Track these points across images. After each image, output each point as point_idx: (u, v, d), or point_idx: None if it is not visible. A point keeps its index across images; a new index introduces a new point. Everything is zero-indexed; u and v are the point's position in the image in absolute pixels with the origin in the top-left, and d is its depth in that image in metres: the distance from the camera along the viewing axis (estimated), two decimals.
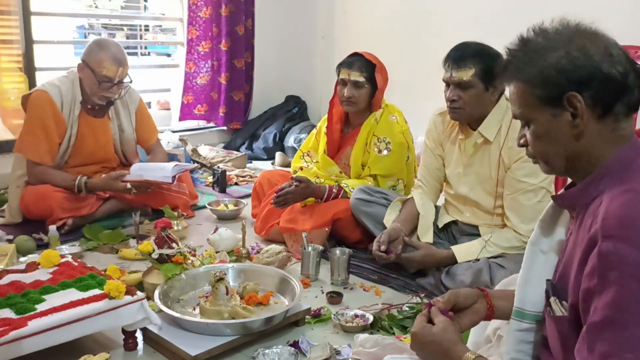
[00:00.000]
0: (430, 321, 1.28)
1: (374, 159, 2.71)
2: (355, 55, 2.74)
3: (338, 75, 2.75)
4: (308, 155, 3.02)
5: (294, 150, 4.71)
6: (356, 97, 2.69)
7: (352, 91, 2.68)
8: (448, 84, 2.16)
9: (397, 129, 2.71)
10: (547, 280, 1.17)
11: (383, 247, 2.19)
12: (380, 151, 2.70)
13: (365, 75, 2.67)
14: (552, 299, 1.11)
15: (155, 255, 1.99)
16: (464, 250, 2.18)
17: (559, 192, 1.18)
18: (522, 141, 1.15)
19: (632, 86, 1.04)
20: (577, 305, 1.03)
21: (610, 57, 1.04)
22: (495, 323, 1.42)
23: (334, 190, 2.67)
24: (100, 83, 2.80)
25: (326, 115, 2.91)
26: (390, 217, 2.41)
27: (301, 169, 2.97)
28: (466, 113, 2.16)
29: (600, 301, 0.95)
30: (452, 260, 2.18)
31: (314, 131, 3.04)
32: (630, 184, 1.00)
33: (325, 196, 2.66)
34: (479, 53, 2.11)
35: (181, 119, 4.74)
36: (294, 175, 2.77)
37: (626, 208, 0.96)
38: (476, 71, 2.08)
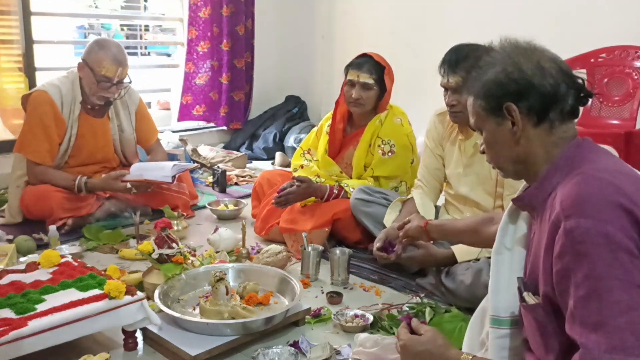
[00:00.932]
0: (412, 332, 1.39)
1: (377, 161, 2.72)
2: (365, 56, 2.72)
3: (346, 75, 2.73)
4: (309, 153, 3.02)
5: (294, 150, 4.69)
6: (364, 98, 2.68)
7: (360, 93, 2.67)
8: (446, 88, 2.16)
9: (401, 131, 2.72)
10: (518, 277, 1.23)
11: (379, 244, 2.19)
12: (384, 153, 2.70)
13: (374, 77, 2.66)
14: (525, 294, 1.17)
15: (155, 255, 1.99)
16: (463, 250, 2.18)
17: (518, 195, 1.28)
18: (482, 148, 1.29)
19: (563, 95, 1.16)
20: (550, 291, 1.09)
21: (542, 70, 1.16)
22: (489, 325, 1.43)
23: (334, 190, 2.67)
24: (98, 82, 2.80)
25: (328, 114, 2.91)
26: (390, 217, 2.41)
27: (302, 167, 2.97)
28: (466, 116, 2.14)
29: (578, 276, 1.01)
30: (452, 260, 2.17)
31: (315, 129, 3.04)
32: (577, 170, 1.11)
33: (326, 196, 2.66)
34: (473, 55, 2.10)
35: (180, 119, 4.74)
36: (296, 175, 2.77)
37: (578, 187, 1.06)
38: None
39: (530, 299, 1.16)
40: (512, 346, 1.26)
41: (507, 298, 1.26)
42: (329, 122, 2.89)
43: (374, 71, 2.66)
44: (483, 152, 1.30)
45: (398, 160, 2.71)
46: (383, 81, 2.69)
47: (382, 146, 2.71)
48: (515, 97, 1.16)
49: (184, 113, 4.73)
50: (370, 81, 2.66)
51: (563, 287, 1.04)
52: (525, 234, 1.28)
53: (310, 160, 2.98)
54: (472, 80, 1.24)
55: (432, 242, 2.11)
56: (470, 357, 1.24)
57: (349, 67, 2.72)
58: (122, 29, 9.94)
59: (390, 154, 2.70)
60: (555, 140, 1.18)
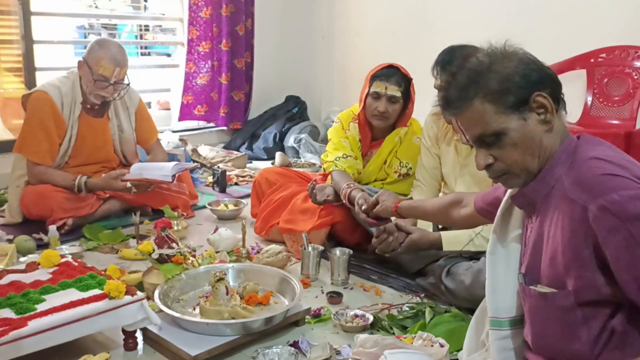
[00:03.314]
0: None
1: (392, 181, 2.69)
2: (391, 67, 2.61)
3: (370, 86, 2.59)
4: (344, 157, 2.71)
5: (294, 150, 4.71)
6: (390, 112, 2.58)
7: (386, 106, 2.56)
8: (439, 90, 2.16)
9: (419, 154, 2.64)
10: (519, 273, 1.24)
11: (378, 232, 2.15)
12: (400, 175, 2.67)
13: (401, 90, 2.57)
14: (538, 286, 1.17)
15: (155, 255, 1.99)
16: (451, 239, 2.14)
17: (515, 193, 1.27)
18: (490, 160, 1.22)
19: (560, 84, 1.21)
20: (566, 276, 1.11)
21: (541, 62, 1.21)
22: (489, 327, 1.43)
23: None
24: (95, 81, 2.79)
25: (347, 111, 2.78)
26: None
27: (344, 156, 2.69)
28: None
29: None
30: (439, 245, 2.13)
31: (336, 129, 2.77)
32: (582, 158, 1.14)
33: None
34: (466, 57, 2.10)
35: (181, 119, 4.74)
36: (335, 168, 2.62)
37: (594, 170, 1.09)
38: None
39: (545, 289, 1.15)
40: (513, 347, 1.27)
41: (505, 298, 1.27)
42: (350, 127, 2.73)
43: (402, 83, 2.57)
44: (488, 166, 1.23)
45: (412, 181, 2.63)
46: (409, 93, 2.61)
47: (399, 168, 2.67)
48: (539, 86, 1.16)
49: (185, 113, 4.73)
50: (398, 94, 2.56)
51: (629, 258, 1.03)
52: (519, 233, 1.28)
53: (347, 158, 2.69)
54: (476, 82, 1.19)
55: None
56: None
57: (375, 78, 2.58)
58: (138, 28, 9.82)
59: (406, 176, 2.67)
60: (564, 130, 1.20)
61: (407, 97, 2.62)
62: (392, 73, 2.58)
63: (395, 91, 2.56)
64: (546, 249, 1.17)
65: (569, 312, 1.12)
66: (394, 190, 2.64)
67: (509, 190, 1.31)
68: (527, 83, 1.16)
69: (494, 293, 1.29)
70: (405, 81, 2.59)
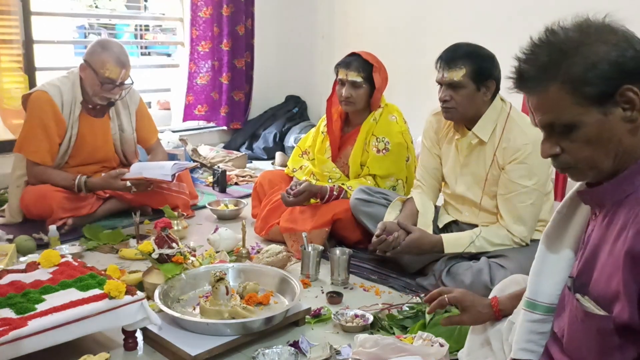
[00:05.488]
0: None
1: (372, 159, 2.72)
2: (353, 55, 2.75)
3: (336, 75, 2.75)
4: (306, 153, 3.02)
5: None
6: (354, 97, 2.70)
7: (350, 91, 2.69)
8: (440, 84, 2.17)
9: (396, 129, 2.72)
10: (569, 277, 1.14)
11: (378, 232, 2.20)
12: (378, 151, 2.70)
13: (362, 75, 2.68)
14: (583, 298, 1.07)
15: (155, 255, 1.99)
16: (452, 241, 2.19)
17: (583, 189, 1.13)
18: (556, 150, 1.06)
19: None
20: (616, 300, 0.99)
21: None
22: (522, 307, 1.40)
23: (334, 192, 2.67)
24: (102, 84, 2.80)
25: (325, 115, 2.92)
26: (390, 217, 2.41)
27: (301, 167, 2.96)
28: (459, 113, 2.17)
29: None
30: (440, 248, 2.18)
31: (313, 129, 3.05)
32: None
33: (327, 198, 2.66)
34: (470, 54, 2.12)
35: (184, 119, 4.74)
36: (294, 176, 2.76)
37: None
38: (467, 71, 2.09)
39: (589, 304, 1.05)
40: (540, 331, 1.21)
41: (548, 285, 1.19)
42: (326, 122, 2.89)
43: (362, 69, 2.68)
44: (555, 155, 1.07)
45: (393, 158, 2.71)
46: (372, 78, 2.70)
47: (376, 144, 2.71)
48: (631, 78, 0.99)
49: (187, 113, 4.74)
50: (359, 79, 2.67)
51: None
52: (582, 227, 1.17)
53: (309, 163, 2.98)
54: (558, 63, 1.01)
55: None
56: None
57: (338, 67, 2.75)
58: (138, 28, 9.83)
59: (384, 151, 2.70)
60: None
61: (372, 82, 2.71)
62: (353, 60, 2.72)
63: (355, 77, 2.67)
64: (605, 261, 1.04)
65: (607, 336, 1.03)
66: (377, 170, 2.71)
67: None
68: (618, 73, 0.99)
69: (538, 275, 1.21)
70: (366, 67, 2.70)
